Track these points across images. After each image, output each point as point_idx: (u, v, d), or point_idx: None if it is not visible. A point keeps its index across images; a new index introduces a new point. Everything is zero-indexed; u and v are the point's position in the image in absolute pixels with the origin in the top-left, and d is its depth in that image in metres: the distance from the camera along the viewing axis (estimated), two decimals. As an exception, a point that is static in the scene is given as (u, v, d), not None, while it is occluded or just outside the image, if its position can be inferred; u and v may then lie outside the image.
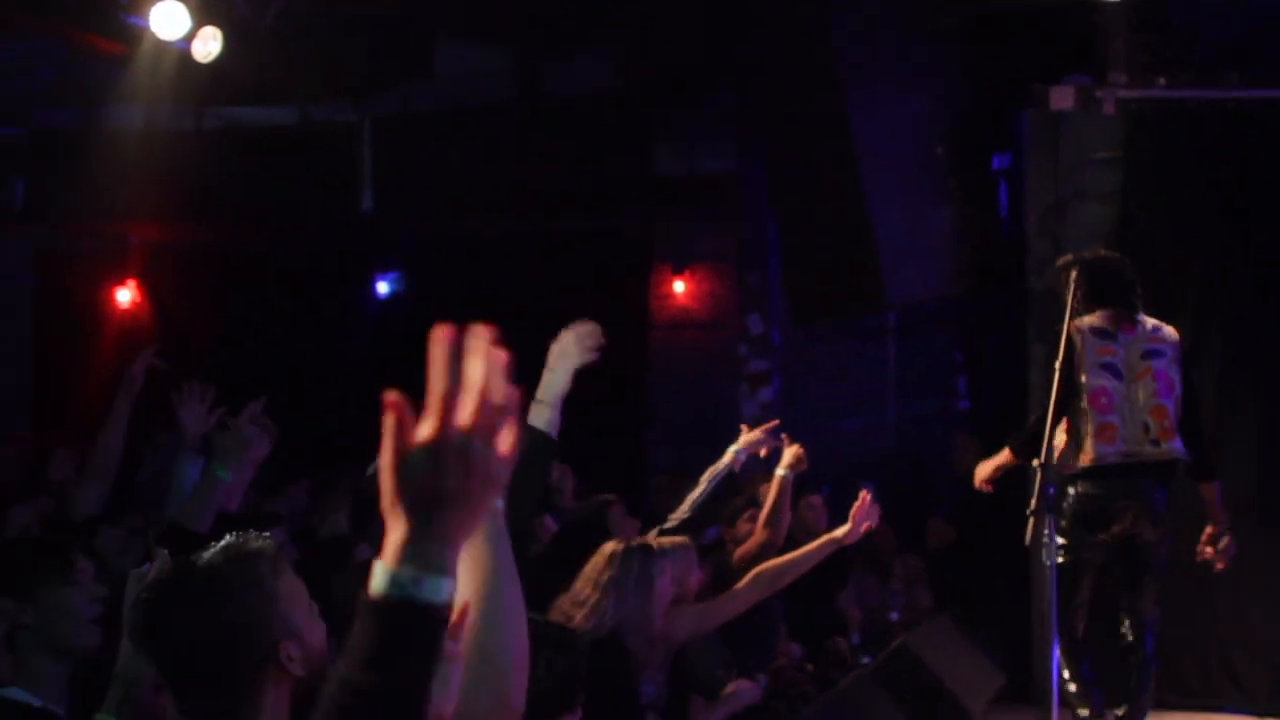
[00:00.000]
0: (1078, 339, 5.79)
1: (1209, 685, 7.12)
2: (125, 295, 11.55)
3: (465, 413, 1.69)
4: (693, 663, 6.11)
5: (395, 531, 1.70)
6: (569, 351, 4.17)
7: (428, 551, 1.69)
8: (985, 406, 10.43)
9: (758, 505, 7.22)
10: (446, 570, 1.71)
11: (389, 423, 1.69)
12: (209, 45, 7.71)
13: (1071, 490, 5.75)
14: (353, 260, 11.59)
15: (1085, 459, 5.72)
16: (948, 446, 9.96)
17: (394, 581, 1.69)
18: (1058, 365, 5.52)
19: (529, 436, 3.94)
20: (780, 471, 6.20)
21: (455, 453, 1.68)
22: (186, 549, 2.81)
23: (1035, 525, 5.05)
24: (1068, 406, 5.72)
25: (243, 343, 11.12)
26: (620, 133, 10.52)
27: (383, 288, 11.76)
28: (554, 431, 4.10)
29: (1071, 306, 5.79)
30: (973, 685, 6.40)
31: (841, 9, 8.29)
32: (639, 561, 4.58)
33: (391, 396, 1.68)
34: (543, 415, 4.06)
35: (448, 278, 11.11)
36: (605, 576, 4.50)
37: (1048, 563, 5.18)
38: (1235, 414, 7.21)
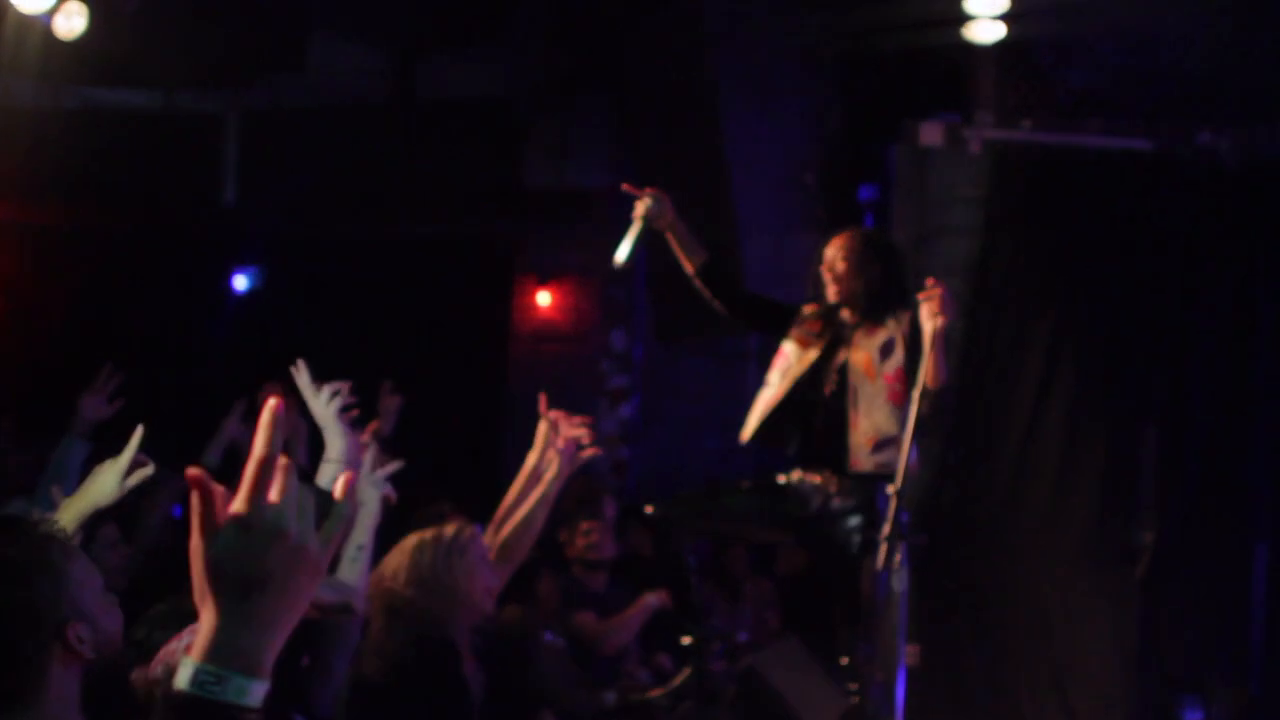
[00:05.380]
0: None
1: (1042, 713, 7.28)
2: (-33, 275, 11.15)
3: (278, 487, 1.54)
4: (544, 681, 6.07)
5: (205, 621, 1.53)
6: (326, 419, 4.05)
7: (238, 643, 1.52)
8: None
9: (591, 518, 7.20)
10: (258, 669, 1.53)
11: (194, 500, 1.53)
12: (72, 21, 7.47)
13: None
14: (210, 253, 11.33)
15: None
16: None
17: (196, 678, 1.51)
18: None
19: (318, 497, 3.88)
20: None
21: (270, 530, 1.53)
22: None
23: (888, 550, 5.10)
24: None
25: (91, 331, 10.79)
26: (492, 140, 10.46)
27: (240, 283, 11.52)
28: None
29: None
30: (819, 707, 6.44)
31: (719, 36, 8.37)
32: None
33: (193, 471, 1.53)
34: (330, 474, 3.96)
35: (308, 277, 10.93)
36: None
37: (898, 588, 5.23)
38: (1082, 452, 7.39)
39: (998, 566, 7.42)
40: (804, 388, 5.54)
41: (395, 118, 10.54)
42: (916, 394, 5.02)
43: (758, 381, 11.09)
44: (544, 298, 10.65)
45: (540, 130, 10.51)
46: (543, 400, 4.97)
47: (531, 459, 5.00)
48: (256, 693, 1.53)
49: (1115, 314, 7.48)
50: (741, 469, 10.84)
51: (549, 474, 4.82)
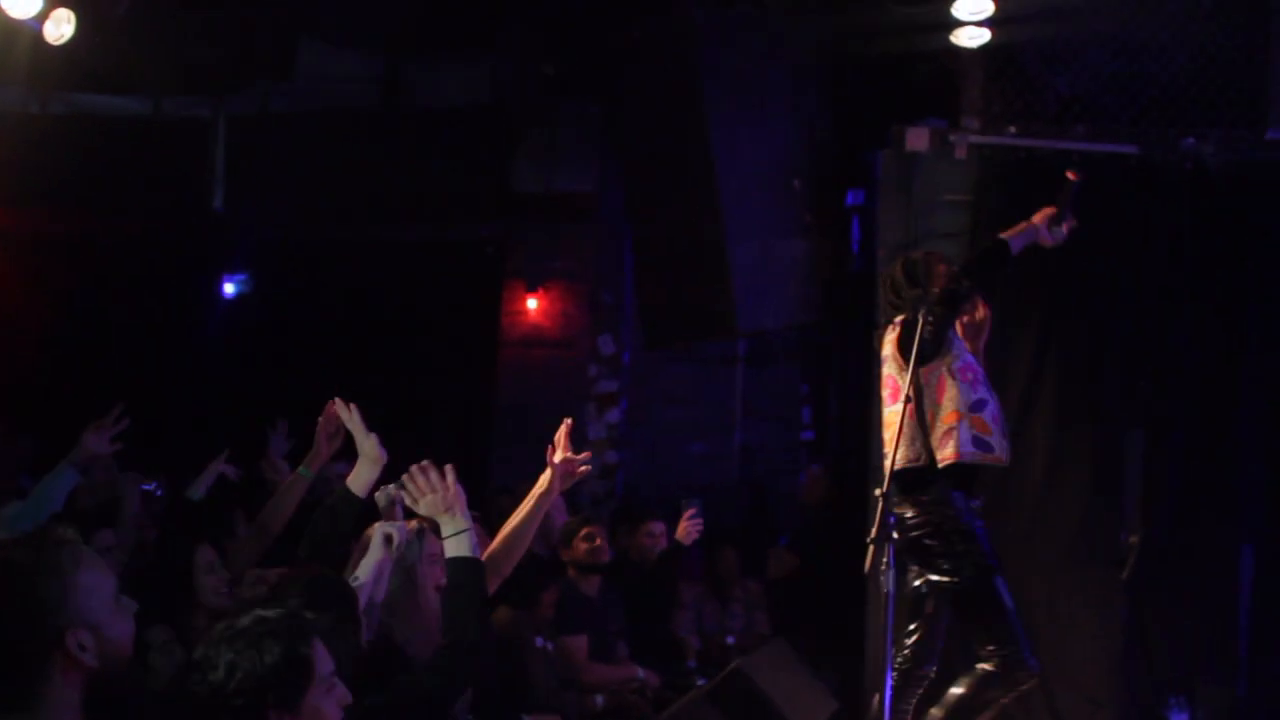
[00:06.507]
0: None
1: (1029, 714, 7.30)
2: (-46, 282, 11.14)
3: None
4: (533, 684, 6.08)
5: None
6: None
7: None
8: (828, 438, 10.61)
9: (591, 523, 7.23)
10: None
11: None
12: (62, 28, 7.47)
13: None
14: (200, 259, 11.33)
15: None
16: (792, 476, 10.10)
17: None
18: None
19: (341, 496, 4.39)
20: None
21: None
22: None
23: (875, 553, 5.12)
24: None
25: (80, 337, 10.79)
26: (480, 145, 10.47)
27: (229, 289, 11.53)
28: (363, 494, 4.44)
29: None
30: (807, 710, 6.46)
31: (708, 42, 8.38)
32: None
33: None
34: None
35: (298, 282, 10.94)
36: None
37: (886, 590, 5.25)
38: (1068, 454, 7.42)
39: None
40: None
41: (384, 123, 10.55)
42: (900, 402, 5.12)
43: (747, 385, 11.21)
44: (533, 303, 10.67)
45: (529, 136, 10.53)
46: (565, 426, 4.83)
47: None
48: None
49: (1101, 317, 7.51)
50: (727, 473, 10.90)
51: (539, 489, 4.76)
